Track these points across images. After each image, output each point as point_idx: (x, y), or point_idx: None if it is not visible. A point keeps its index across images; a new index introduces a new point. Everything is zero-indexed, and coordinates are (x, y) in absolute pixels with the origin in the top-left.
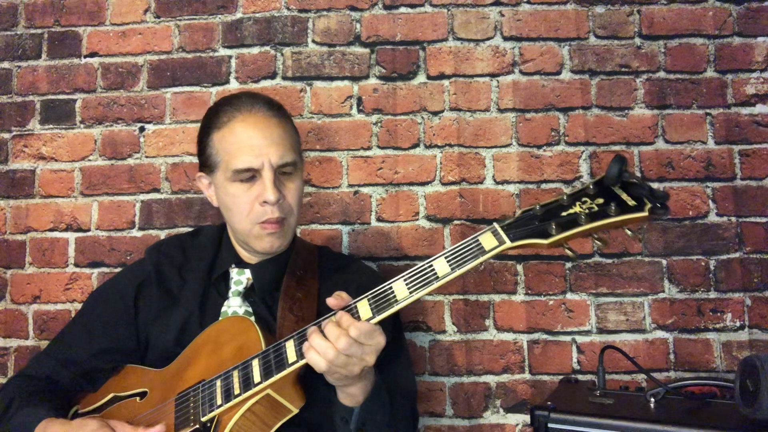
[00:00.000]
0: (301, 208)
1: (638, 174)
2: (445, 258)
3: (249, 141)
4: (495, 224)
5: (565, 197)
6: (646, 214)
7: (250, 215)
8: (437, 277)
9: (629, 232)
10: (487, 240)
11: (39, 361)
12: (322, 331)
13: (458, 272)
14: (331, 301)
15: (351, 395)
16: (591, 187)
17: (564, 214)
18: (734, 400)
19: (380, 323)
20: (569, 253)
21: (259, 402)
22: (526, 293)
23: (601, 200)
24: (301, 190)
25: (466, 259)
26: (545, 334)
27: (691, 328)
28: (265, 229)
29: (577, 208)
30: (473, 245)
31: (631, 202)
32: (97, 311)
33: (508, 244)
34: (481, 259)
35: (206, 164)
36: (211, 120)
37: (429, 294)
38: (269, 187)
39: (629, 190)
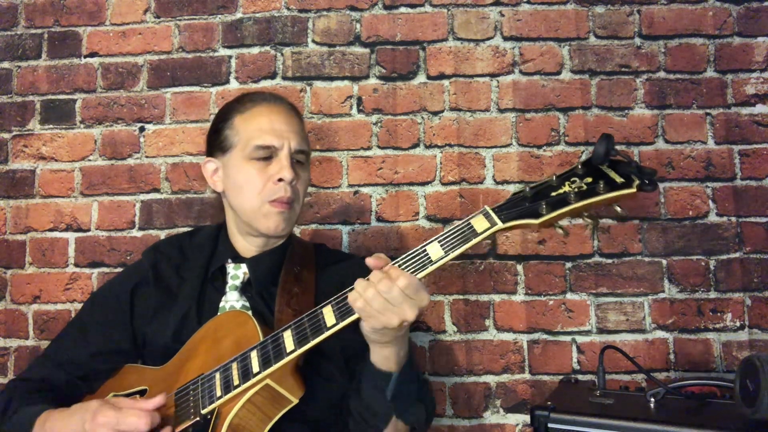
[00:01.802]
0: (305, 200)
1: None
2: (439, 242)
3: (272, 124)
4: (486, 207)
5: (554, 178)
6: (634, 190)
7: (263, 193)
8: (431, 261)
9: (618, 209)
10: (479, 222)
11: (36, 364)
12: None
13: (452, 255)
14: (370, 261)
15: (385, 357)
16: (579, 167)
17: (553, 194)
18: (734, 400)
19: None
20: (560, 231)
21: (259, 392)
22: (526, 293)
23: (589, 179)
24: (308, 182)
25: (458, 241)
26: (545, 334)
27: (691, 328)
28: (275, 208)
29: (566, 188)
30: (465, 228)
31: (619, 180)
32: (93, 313)
33: (500, 225)
34: (474, 241)
35: (219, 147)
36: (233, 106)
37: (425, 281)
38: (287, 165)
39: (617, 168)
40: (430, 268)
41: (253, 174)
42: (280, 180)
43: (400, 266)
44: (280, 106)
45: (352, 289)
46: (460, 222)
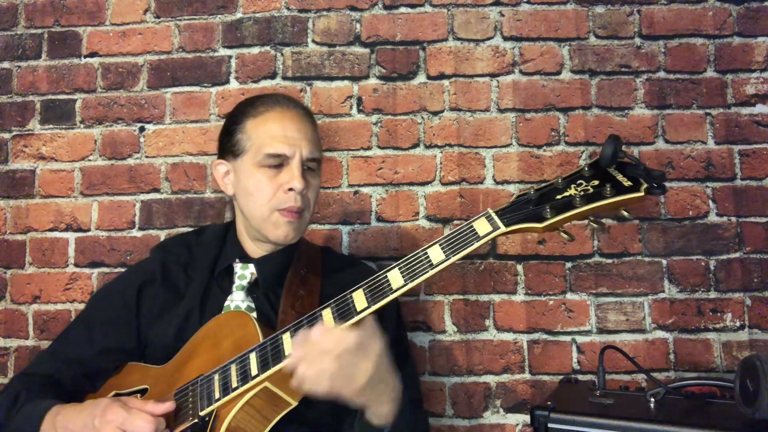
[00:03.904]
0: (315, 207)
1: None
2: (440, 245)
3: (284, 131)
4: (489, 210)
5: (560, 180)
6: (641, 194)
7: (272, 201)
8: (432, 265)
9: (625, 213)
10: (482, 225)
11: (41, 360)
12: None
13: (453, 259)
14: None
15: (377, 416)
16: (586, 169)
17: (559, 197)
18: (734, 400)
19: (383, 324)
20: (565, 236)
21: (258, 395)
22: (526, 293)
23: (596, 182)
24: (318, 189)
25: (460, 245)
26: (545, 334)
27: (691, 328)
28: (284, 217)
29: (572, 191)
30: (467, 231)
31: (627, 183)
32: (98, 311)
33: (503, 229)
34: (476, 244)
35: (231, 150)
36: (246, 109)
37: (425, 282)
38: (297, 175)
39: (625, 171)
40: (431, 272)
41: (263, 182)
42: (291, 189)
43: (400, 269)
44: (294, 111)
45: (353, 291)
46: (462, 225)
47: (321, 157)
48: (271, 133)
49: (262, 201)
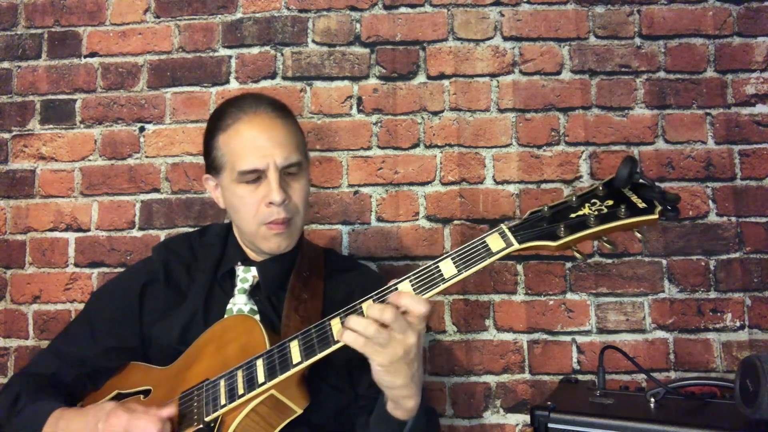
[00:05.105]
0: (307, 207)
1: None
2: (452, 259)
3: (254, 142)
4: (503, 226)
5: (574, 198)
6: (656, 216)
7: (257, 216)
8: (443, 279)
9: (638, 235)
10: (495, 241)
11: (43, 358)
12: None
13: (465, 274)
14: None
15: (406, 410)
16: (600, 188)
17: (573, 215)
18: (734, 400)
19: None
20: (577, 255)
21: (263, 402)
22: (526, 293)
23: (610, 202)
24: (306, 190)
25: (473, 260)
26: (545, 334)
27: (691, 328)
28: (271, 230)
29: (586, 210)
30: (480, 247)
31: (642, 204)
32: (101, 309)
33: (516, 246)
34: (489, 261)
35: (212, 166)
36: (216, 122)
37: (435, 296)
38: (275, 188)
39: (639, 192)
40: (443, 286)
41: (245, 197)
42: (271, 203)
43: (411, 281)
44: (261, 115)
45: (361, 301)
46: (475, 239)
47: (301, 159)
48: (241, 146)
49: (248, 216)
